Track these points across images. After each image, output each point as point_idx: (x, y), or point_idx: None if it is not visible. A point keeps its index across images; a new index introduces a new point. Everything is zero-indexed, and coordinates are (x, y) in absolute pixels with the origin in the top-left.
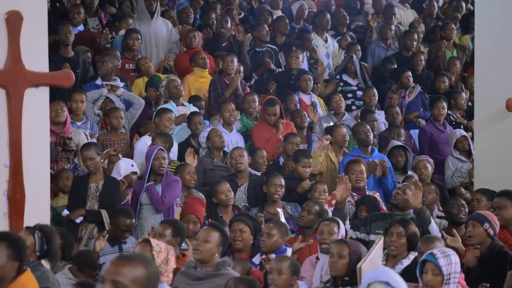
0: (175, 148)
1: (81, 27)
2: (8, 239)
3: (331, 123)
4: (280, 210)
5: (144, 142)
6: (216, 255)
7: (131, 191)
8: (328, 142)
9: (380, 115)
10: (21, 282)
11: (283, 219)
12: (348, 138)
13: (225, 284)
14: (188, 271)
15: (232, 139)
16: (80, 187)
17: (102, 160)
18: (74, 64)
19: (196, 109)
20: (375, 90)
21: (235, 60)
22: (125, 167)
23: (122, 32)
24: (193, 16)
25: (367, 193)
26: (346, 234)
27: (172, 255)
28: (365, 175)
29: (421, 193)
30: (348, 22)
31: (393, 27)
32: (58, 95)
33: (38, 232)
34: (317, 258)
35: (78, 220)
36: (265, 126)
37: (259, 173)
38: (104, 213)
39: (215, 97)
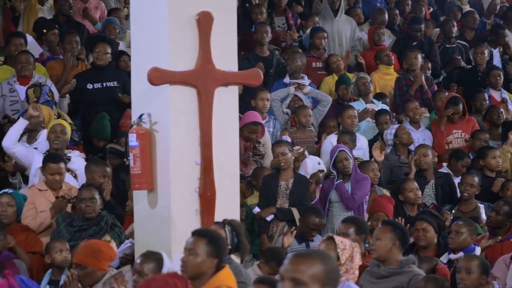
0: (364, 145)
1: None
2: (208, 236)
3: None
4: (481, 206)
5: (329, 141)
6: (394, 251)
7: (318, 189)
8: None
9: None
10: (219, 278)
11: (484, 217)
12: None
13: (411, 282)
14: (372, 269)
15: (419, 137)
16: (271, 185)
17: (293, 157)
18: (268, 63)
19: (384, 107)
20: None
21: (419, 56)
22: (311, 165)
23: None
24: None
25: None
26: None
27: (357, 252)
28: None
29: None
30: None
31: None
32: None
33: (228, 225)
34: (511, 258)
35: (269, 218)
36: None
37: (446, 171)
38: (295, 211)
39: (400, 95)
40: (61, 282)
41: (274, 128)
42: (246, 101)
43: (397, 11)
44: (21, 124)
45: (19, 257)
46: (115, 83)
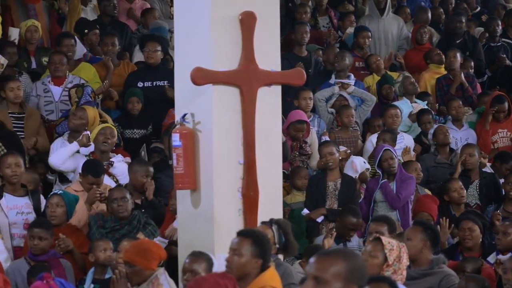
0: (410, 144)
1: None
2: (253, 236)
3: None
4: None
5: (370, 140)
6: (425, 252)
7: (363, 189)
8: None
9: None
10: (264, 279)
11: None
12: None
13: (442, 283)
14: None
15: (462, 136)
16: (318, 186)
17: (341, 157)
18: (307, 63)
19: (426, 107)
20: None
21: (458, 55)
22: (360, 164)
23: (350, 30)
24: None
25: None
26: None
27: (405, 253)
28: None
29: None
30: None
31: None
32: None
33: (275, 225)
34: None
35: (319, 219)
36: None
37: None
38: None
39: (441, 95)
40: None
41: (319, 127)
42: (286, 101)
43: (441, 10)
44: (73, 148)
45: (75, 257)
46: (165, 82)
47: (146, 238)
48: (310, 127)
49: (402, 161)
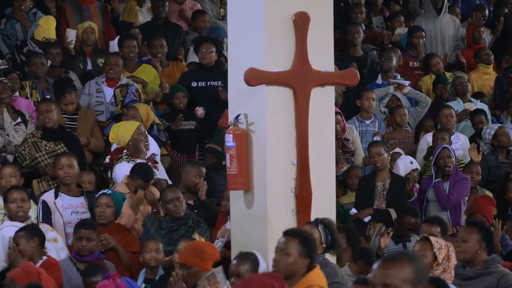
0: (465, 144)
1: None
2: (300, 236)
3: None
4: None
5: (425, 139)
6: (481, 253)
7: (415, 189)
8: None
9: None
10: (311, 278)
11: None
12: None
13: (500, 282)
14: (457, 271)
15: None
16: (367, 186)
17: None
18: (362, 63)
19: (483, 106)
20: None
21: None
22: (404, 165)
23: (401, 30)
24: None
25: None
26: None
27: (453, 252)
28: None
29: None
30: None
31: None
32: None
33: (320, 224)
34: None
35: (367, 219)
36: None
37: None
38: (392, 212)
39: (501, 94)
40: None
41: (379, 128)
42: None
43: (504, 9)
44: None
45: (120, 256)
46: (219, 83)
47: (202, 238)
48: (370, 128)
49: (467, 159)
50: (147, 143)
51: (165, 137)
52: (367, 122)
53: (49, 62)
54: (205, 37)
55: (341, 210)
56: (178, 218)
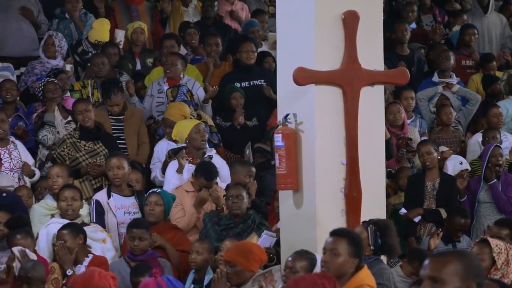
0: None
1: (413, 25)
2: (349, 236)
3: None
4: None
5: (475, 139)
6: None
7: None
8: None
9: None
10: (359, 278)
11: None
12: None
13: None
14: None
15: None
16: (417, 186)
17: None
18: (409, 61)
19: None
20: None
21: None
22: (452, 166)
23: (457, 28)
24: None
25: None
26: None
27: None
28: None
29: None
30: None
31: None
32: None
33: (372, 226)
34: None
35: (417, 219)
36: None
37: None
38: (442, 212)
39: None
40: (205, 282)
41: (421, 127)
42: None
43: None
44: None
45: (168, 254)
46: (262, 81)
47: (259, 240)
48: (412, 127)
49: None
50: (203, 142)
51: (217, 140)
52: (408, 121)
53: (72, 69)
54: (245, 36)
55: (392, 210)
56: (236, 216)
